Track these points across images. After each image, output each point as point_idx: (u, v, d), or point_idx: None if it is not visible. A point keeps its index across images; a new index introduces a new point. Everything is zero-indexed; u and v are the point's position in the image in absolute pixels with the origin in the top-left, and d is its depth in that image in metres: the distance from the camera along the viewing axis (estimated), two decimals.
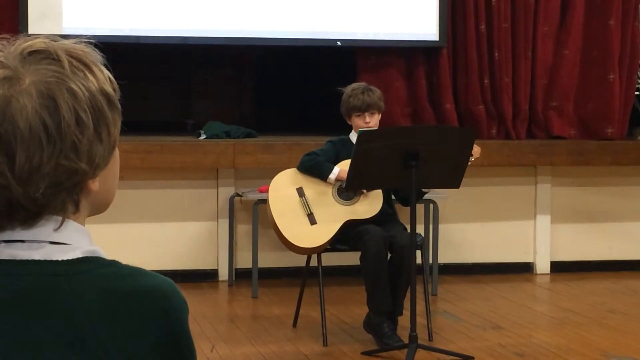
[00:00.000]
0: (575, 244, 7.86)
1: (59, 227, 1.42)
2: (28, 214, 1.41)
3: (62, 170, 1.39)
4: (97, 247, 1.45)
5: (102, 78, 1.44)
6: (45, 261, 1.41)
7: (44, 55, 1.42)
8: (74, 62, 1.42)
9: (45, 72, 1.40)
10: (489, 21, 7.60)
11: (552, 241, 7.79)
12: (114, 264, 1.44)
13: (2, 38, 1.44)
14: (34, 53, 1.42)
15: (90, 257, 1.43)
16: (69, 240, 1.43)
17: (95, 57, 1.46)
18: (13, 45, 1.43)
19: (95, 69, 1.44)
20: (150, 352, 1.42)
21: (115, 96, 1.46)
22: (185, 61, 9.11)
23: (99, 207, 1.50)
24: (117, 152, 1.49)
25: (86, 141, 1.40)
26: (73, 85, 1.40)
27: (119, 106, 1.47)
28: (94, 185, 1.44)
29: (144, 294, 1.42)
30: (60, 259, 1.41)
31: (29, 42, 1.43)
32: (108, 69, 1.47)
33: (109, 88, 1.45)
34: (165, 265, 7.12)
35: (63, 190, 1.41)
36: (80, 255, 1.43)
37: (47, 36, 1.45)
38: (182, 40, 7.43)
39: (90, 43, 1.47)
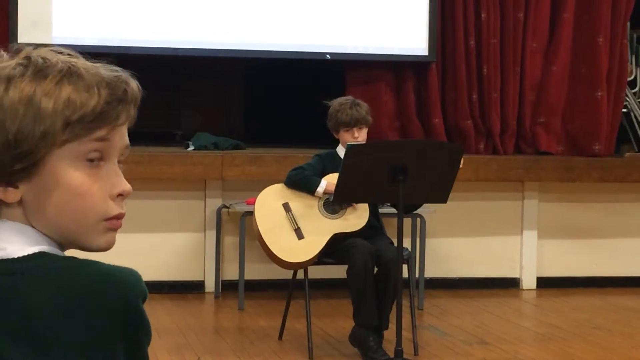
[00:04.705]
0: (561, 260, 7.87)
1: None
2: None
3: None
4: (55, 248, 1.46)
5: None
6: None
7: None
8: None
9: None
10: (478, 36, 7.63)
11: (538, 257, 7.80)
12: (69, 258, 1.45)
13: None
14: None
15: (46, 252, 1.44)
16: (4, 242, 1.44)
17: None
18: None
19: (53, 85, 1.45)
20: (113, 341, 1.41)
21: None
22: (174, 72, 9.11)
23: (62, 234, 1.48)
24: (68, 182, 1.45)
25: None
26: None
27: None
28: (6, 194, 1.45)
29: (100, 285, 1.41)
30: (15, 256, 1.42)
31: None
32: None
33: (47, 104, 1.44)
34: (152, 276, 7.11)
35: None
36: (36, 251, 1.43)
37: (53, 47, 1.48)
38: (171, 51, 7.44)
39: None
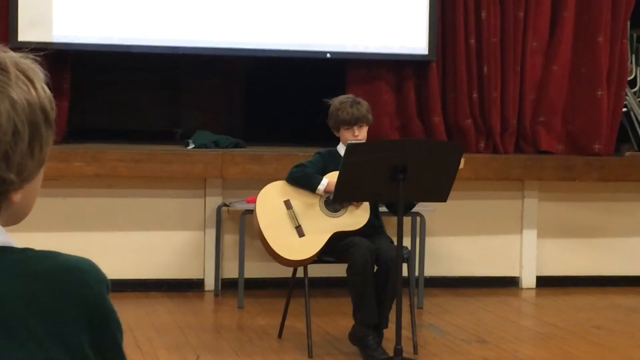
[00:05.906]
0: (561, 259, 7.87)
1: None
2: None
3: None
4: (11, 240, 1.47)
5: (44, 95, 1.46)
6: None
7: None
8: (20, 76, 1.44)
9: None
10: (479, 36, 7.63)
11: (538, 256, 7.80)
12: (27, 250, 1.47)
13: None
14: None
15: (2, 246, 1.45)
16: None
17: (40, 74, 1.47)
18: None
19: (38, 85, 1.46)
20: (79, 327, 1.43)
21: (53, 116, 1.48)
22: (174, 70, 9.11)
23: (15, 219, 1.52)
24: (42, 169, 1.50)
25: (19, 153, 1.42)
26: (15, 97, 1.41)
27: (54, 126, 1.49)
28: (17, 197, 1.46)
29: (62, 273, 1.44)
30: None
31: None
32: (50, 89, 1.49)
33: (48, 106, 1.46)
34: (152, 274, 7.12)
35: None
36: None
37: None
38: (172, 50, 7.43)
39: (37, 58, 1.48)
